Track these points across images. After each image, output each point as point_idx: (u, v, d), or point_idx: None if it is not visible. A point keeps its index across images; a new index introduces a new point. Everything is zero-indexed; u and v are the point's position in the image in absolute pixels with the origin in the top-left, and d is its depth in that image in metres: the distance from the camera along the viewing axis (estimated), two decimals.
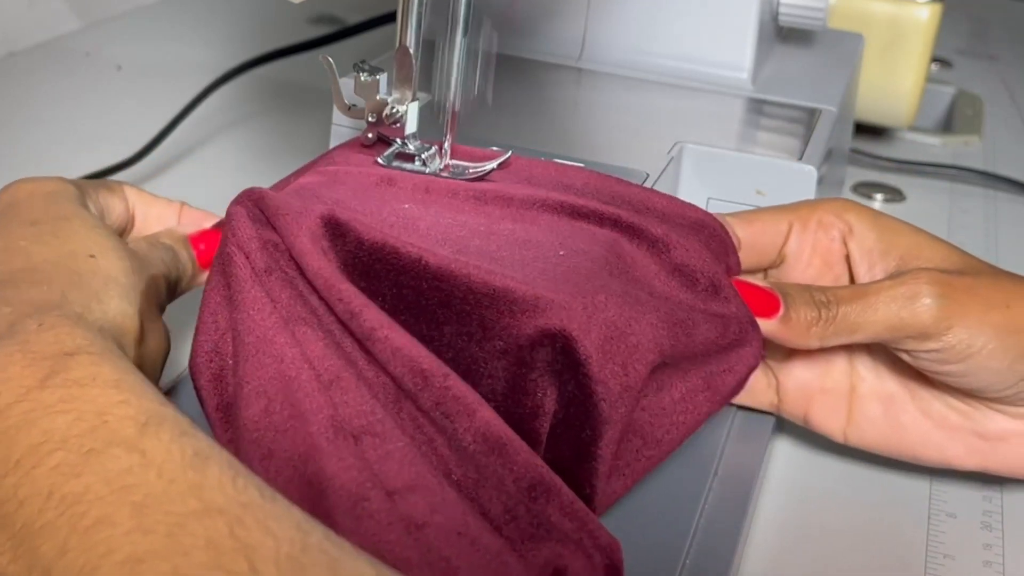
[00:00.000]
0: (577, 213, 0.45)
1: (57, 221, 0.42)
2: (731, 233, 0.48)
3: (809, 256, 0.49)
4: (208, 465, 0.31)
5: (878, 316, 0.45)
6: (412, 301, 0.40)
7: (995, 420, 0.47)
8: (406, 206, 0.44)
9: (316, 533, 0.30)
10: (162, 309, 0.45)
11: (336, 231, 0.41)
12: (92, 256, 0.41)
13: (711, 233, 0.46)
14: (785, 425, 0.54)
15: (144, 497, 0.30)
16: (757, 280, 0.47)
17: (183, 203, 0.50)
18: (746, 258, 0.49)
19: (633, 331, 0.40)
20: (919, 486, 0.51)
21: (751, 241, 0.49)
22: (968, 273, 0.46)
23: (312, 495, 0.35)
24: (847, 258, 0.49)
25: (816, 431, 0.51)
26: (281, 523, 0.30)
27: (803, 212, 0.49)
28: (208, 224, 0.49)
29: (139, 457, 0.31)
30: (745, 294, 0.46)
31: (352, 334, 0.39)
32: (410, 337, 0.38)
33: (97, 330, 0.37)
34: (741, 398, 0.51)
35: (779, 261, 0.50)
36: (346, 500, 0.35)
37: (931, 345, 0.45)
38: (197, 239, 0.48)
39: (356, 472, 0.35)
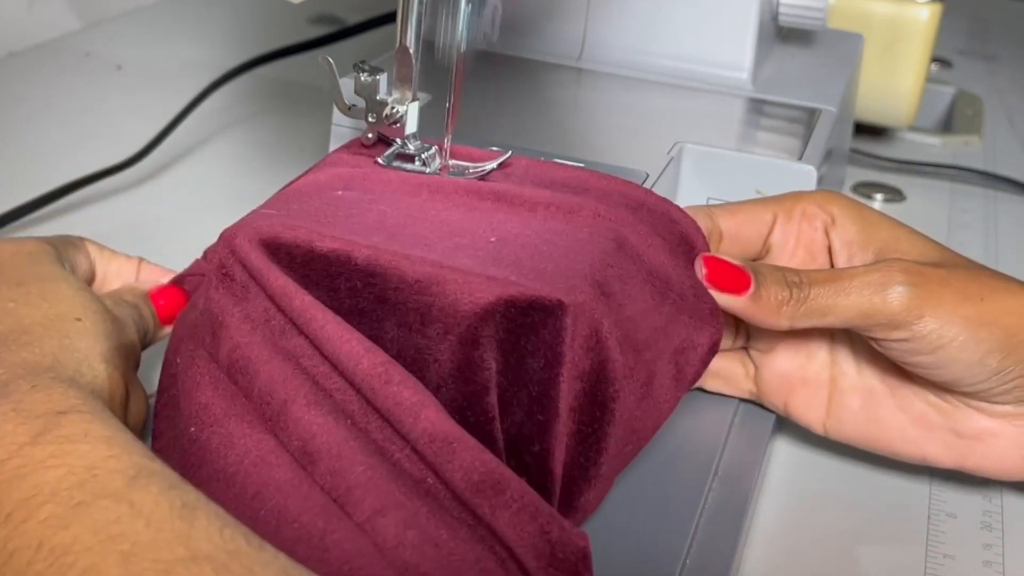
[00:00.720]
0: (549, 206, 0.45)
1: (43, 283, 0.43)
2: (714, 223, 0.48)
3: (793, 247, 0.50)
4: (196, 515, 0.32)
5: (849, 300, 0.45)
6: (350, 303, 0.40)
7: (973, 418, 0.47)
8: (381, 207, 0.44)
9: None
10: (136, 368, 0.46)
11: (271, 248, 0.41)
12: (79, 319, 0.42)
13: (678, 227, 0.47)
14: (785, 425, 0.54)
15: (132, 546, 0.30)
16: (729, 256, 0.47)
17: (141, 258, 0.51)
18: (730, 249, 0.49)
19: (576, 285, 0.40)
20: (919, 486, 0.51)
21: (735, 232, 0.49)
22: (944, 266, 0.46)
23: (268, 531, 0.35)
24: (829, 249, 0.49)
25: (796, 422, 0.51)
26: (268, 570, 0.30)
27: (787, 203, 0.50)
28: (165, 280, 0.49)
29: (127, 508, 0.31)
30: (715, 269, 0.46)
31: (312, 345, 0.39)
32: (350, 340, 0.38)
33: (88, 392, 0.38)
34: (719, 386, 0.51)
35: (764, 252, 0.50)
36: (311, 536, 0.35)
37: (901, 334, 0.45)
38: (157, 295, 0.48)
39: (317, 508, 0.35)
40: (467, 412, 0.39)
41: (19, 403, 0.35)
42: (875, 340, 0.46)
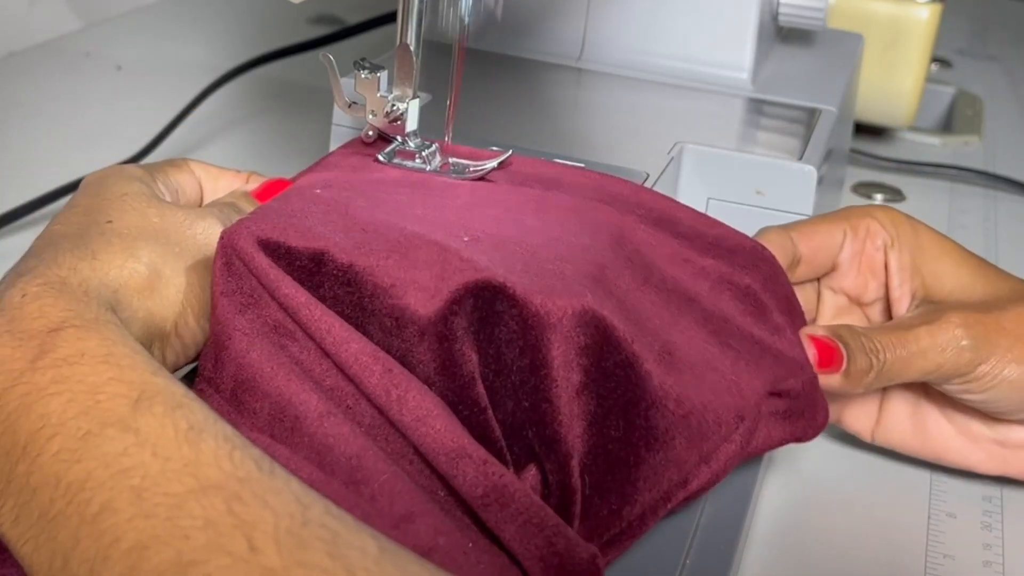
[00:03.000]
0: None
1: (92, 199, 0.42)
2: (795, 249, 0.48)
3: (858, 267, 0.50)
4: (203, 439, 0.31)
5: (919, 365, 0.46)
6: (339, 311, 0.39)
7: (1016, 431, 0.49)
8: (360, 203, 0.44)
9: (317, 507, 0.30)
10: None
11: (271, 250, 0.40)
12: (109, 221, 0.41)
13: (767, 268, 0.46)
14: None
15: (142, 480, 0.30)
16: (818, 328, 0.47)
17: (252, 173, 0.49)
18: (804, 272, 0.49)
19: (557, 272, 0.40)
20: (919, 486, 0.51)
21: (811, 256, 0.49)
22: (994, 305, 0.47)
23: None
24: (886, 267, 0.50)
25: (846, 430, 0.52)
26: (280, 497, 0.30)
27: (854, 219, 0.50)
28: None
29: (133, 437, 0.31)
30: (822, 349, 0.45)
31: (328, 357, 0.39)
32: (359, 346, 0.38)
33: (82, 294, 0.37)
34: None
35: (831, 269, 0.50)
36: None
37: (958, 380, 0.46)
38: (261, 193, 0.47)
39: (355, 511, 0.35)
40: (459, 407, 0.38)
41: (12, 322, 0.35)
42: (935, 384, 0.47)
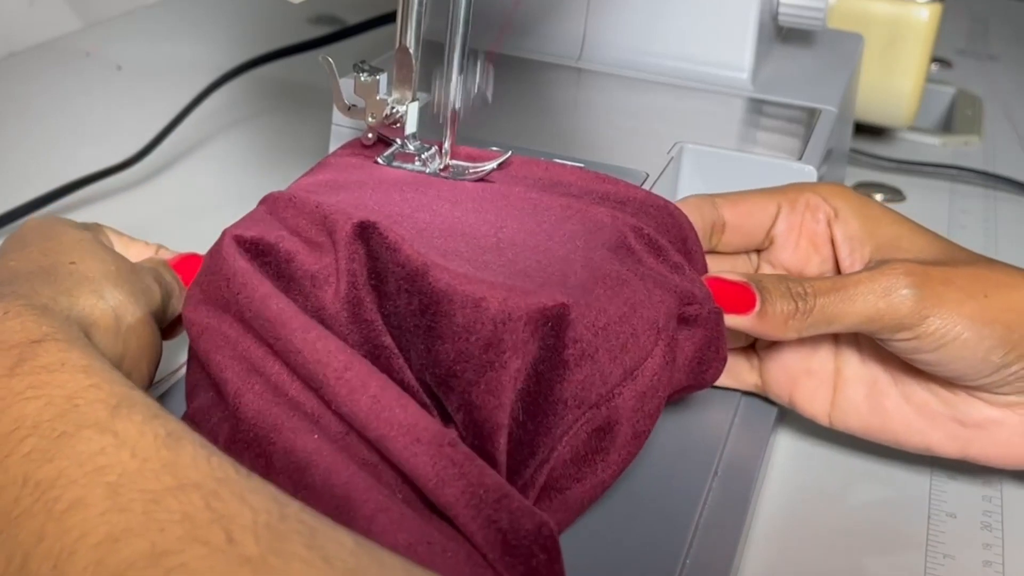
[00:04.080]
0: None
1: (45, 241, 0.44)
2: (718, 213, 0.48)
3: (796, 239, 0.50)
4: (182, 444, 0.31)
5: (856, 308, 0.45)
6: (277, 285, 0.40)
7: (976, 408, 0.48)
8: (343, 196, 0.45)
9: (293, 505, 0.30)
10: (162, 326, 0.46)
11: (252, 249, 0.41)
12: (72, 263, 0.42)
13: (662, 215, 0.46)
14: (785, 424, 0.54)
15: (118, 477, 0.30)
16: (731, 273, 0.47)
17: (159, 245, 0.51)
18: (733, 239, 0.49)
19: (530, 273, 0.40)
20: (919, 486, 0.51)
21: (738, 222, 0.49)
22: (947, 263, 0.46)
23: None
24: (832, 241, 0.49)
25: (801, 414, 0.51)
26: (258, 495, 0.30)
27: (791, 194, 0.50)
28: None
29: (111, 438, 0.31)
30: (719, 290, 0.46)
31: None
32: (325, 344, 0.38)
33: (64, 319, 0.37)
34: (723, 379, 0.51)
35: (767, 243, 0.50)
36: None
37: (906, 334, 0.45)
38: (177, 264, 0.49)
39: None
40: (373, 356, 0.39)
41: None
42: (880, 339, 0.46)
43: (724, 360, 0.46)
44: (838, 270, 0.50)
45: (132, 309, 0.42)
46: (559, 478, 0.40)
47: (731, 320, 0.46)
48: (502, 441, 0.38)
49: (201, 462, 0.31)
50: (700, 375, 0.45)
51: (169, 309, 0.47)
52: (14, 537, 0.30)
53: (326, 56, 0.48)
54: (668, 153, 0.54)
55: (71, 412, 0.32)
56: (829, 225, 0.49)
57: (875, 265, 0.47)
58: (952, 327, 0.45)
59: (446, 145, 0.48)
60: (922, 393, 0.48)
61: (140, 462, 0.30)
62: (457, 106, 0.47)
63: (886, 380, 0.49)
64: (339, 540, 0.29)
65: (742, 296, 0.45)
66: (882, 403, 0.49)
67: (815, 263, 0.50)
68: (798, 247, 0.50)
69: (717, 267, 0.49)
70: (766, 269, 0.51)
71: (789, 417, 0.54)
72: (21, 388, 0.33)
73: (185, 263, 0.49)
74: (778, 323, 0.45)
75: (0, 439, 0.32)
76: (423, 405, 0.39)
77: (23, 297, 0.38)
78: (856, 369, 0.50)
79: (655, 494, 0.45)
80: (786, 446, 0.53)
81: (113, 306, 0.41)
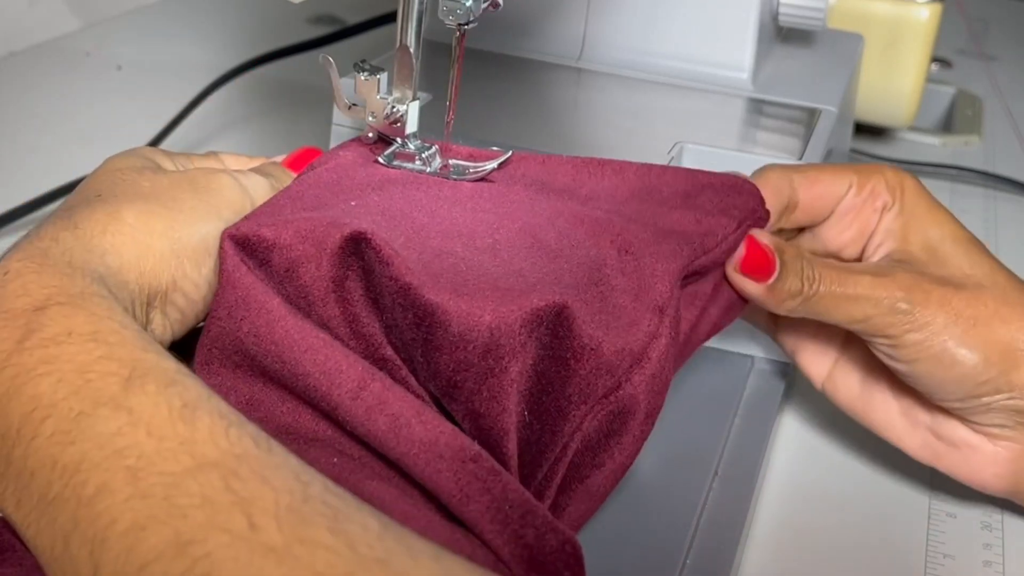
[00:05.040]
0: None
1: (90, 179, 0.42)
2: (793, 193, 0.47)
3: (851, 221, 0.49)
4: (197, 416, 0.31)
5: (849, 309, 0.45)
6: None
7: (955, 428, 0.48)
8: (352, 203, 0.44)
9: (316, 483, 0.30)
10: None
11: (251, 248, 0.40)
12: (98, 195, 0.41)
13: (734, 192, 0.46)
14: (785, 425, 0.54)
15: (137, 459, 0.30)
16: (763, 234, 0.46)
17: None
18: (800, 217, 0.48)
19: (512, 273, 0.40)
20: (919, 486, 0.51)
21: (809, 203, 0.48)
22: (951, 282, 0.46)
23: None
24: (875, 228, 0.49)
25: (799, 368, 0.51)
26: (279, 473, 0.30)
27: (863, 175, 0.49)
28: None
29: (126, 416, 0.31)
30: (748, 247, 0.45)
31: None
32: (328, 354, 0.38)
33: (65, 264, 0.36)
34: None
35: (827, 218, 0.49)
36: None
37: (885, 340, 0.46)
38: (292, 162, 0.48)
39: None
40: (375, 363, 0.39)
41: None
42: (862, 336, 0.47)
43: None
44: (862, 255, 0.49)
45: (167, 217, 0.40)
46: (579, 466, 0.41)
47: (740, 281, 0.46)
48: (511, 447, 0.38)
49: (219, 436, 0.31)
50: (726, 315, 0.46)
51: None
52: (55, 521, 0.30)
53: (326, 55, 0.48)
54: (668, 153, 0.54)
55: (84, 388, 0.32)
56: (881, 214, 0.49)
57: (881, 262, 0.47)
58: (930, 347, 0.45)
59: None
60: (912, 397, 0.48)
61: (157, 441, 0.30)
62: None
63: (884, 374, 0.49)
64: (364, 523, 0.29)
65: (764, 263, 0.45)
66: (873, 391, 0.49)
67: (854, 249, 0.49)
68: (848, 230, 0.49)
69: None
70: (806, 236, 0.50)
71: (789, 418, 0.54)
72: (33, 364, 0.33)
73: (302, 159, 0.48)
74: (780, 298, 0.45)
75: (22, 419, 0.32)
76: None
77: (22, 249, 0.37)
78: (861, 351, 0.50)
79: (655, 494, 0.45)
80: (786, 447, 0.53)
81: (131, 223, 0.39)
